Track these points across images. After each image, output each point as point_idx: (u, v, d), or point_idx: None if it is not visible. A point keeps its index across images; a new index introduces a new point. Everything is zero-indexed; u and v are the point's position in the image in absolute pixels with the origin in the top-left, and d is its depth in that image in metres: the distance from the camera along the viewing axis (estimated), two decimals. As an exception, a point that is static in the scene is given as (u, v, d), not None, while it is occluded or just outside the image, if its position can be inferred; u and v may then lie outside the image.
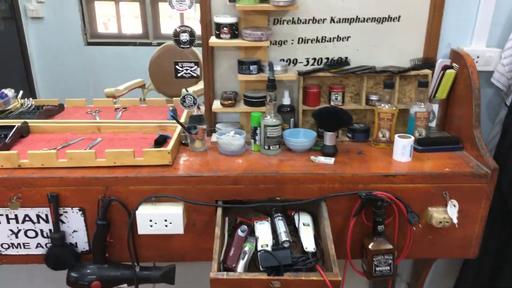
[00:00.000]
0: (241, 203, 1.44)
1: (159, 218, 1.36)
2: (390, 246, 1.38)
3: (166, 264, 1.48)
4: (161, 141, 1.56)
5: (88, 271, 1.42)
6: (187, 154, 1.54)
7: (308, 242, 1.36)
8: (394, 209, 1.41)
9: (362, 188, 1.40)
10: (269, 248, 1.33)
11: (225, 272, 1.19)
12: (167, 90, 3.25)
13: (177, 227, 1.37)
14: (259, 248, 1.33)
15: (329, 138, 1.51)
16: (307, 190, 1.40)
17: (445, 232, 1.47)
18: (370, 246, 1.39)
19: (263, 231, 1.40)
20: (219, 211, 1.39)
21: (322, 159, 1.48)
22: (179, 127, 1.59)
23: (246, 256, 1.32)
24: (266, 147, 1.53)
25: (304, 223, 1.43)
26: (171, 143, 1.47)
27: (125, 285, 1.43)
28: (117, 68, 3.83)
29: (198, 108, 1.80)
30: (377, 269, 1.40)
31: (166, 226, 1.37)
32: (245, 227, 1.41)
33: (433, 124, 1.69)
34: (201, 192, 1.39)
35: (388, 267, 1.40)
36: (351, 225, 1.41)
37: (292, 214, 1.48)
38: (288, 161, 1.48)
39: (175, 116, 1.53)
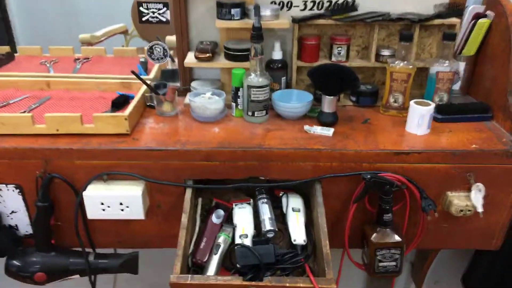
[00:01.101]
0: (216, 183, 1.17)
1: (113, 201, 1.10)
2: (398, 239, 1.13)
3: (130, 251, 1.24)
4: (120, 103, 1.26)
5: (32, 259, 1.17)
6: (152, 120, 1.25)
7: (298, 233, 1.10)
8: (405, 194, 1.14)
9: (367, 168, 1.12)
10: (249, 239, 1.07)
11: (189, 276, 0.94)
12: (152, 37, 2.91)
13: (135, 211, 1.11)
14: (237, 239, 1.08)
15: (328, 104, 1.21)
16: (299, 169, 1.12)
17: (464, 221, 1.21)
18: (373, 238, 1.13)
19: (243, 217, 1.14)
20: (188, 193, 1.12)
21: (318, 130, 1.19)
22: (145, 85, 1.29)
23: (220, 250, 1.07)
24: (250, 113, 1.23)
25: (294, 208, 1.16)
26: (131, 106, 1.18)
27: (77, 276, 1.19)
28: (102, 14, 3.44)
29: (173, 61, 1.49)
30: (380, 264, 1.15)
31: (122, 210, 1.11)
32: (220, 212, 1.15)
33: (456, 86, 1.38)
34: (166, 169, 1.11)
35: (394, 263, 1.15)
36: (350, 212, 1.15)
37: (280, 195, 1.22)
38: (276, 131, 1.19)
39: (135, 72, 1.22)
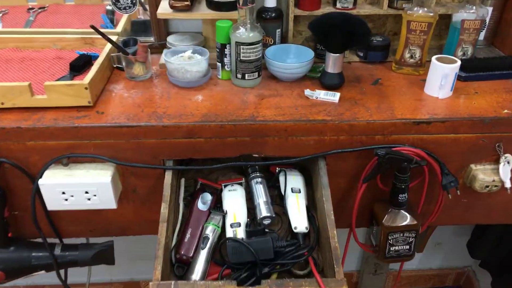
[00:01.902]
0: (201, 163, 0.98)
1: (77, 190, 0.91)
2: (414, 222, 0.98)
3: (106, 239, 1.07)
4: (80, 65, 1.04)
5: (-12, 255, 1.00)
6: (121, 86, 1.03)
7: (298, 219, 0.94)
8: (424, 170, 0.97)
9: (381, 141, 0.94)
10: (242, 228, 0.91)
11: (171, 283, 0.78)
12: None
13: (105, 200, 0.93)
14: (228, 229, 0.92)
15: (333, 63, 1.01)
16: (299, 144, 0.94)
17: (486, 195, 1.06)
18: (385, 221, 0.98)
19: (234, 201, 0.97)
20: (168, 176, 0.94)
21: (322, 95, 0.99)
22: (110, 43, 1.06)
23: (209, 243, 0.90)
24: (239, 76, 1.02)
25: (293, 189, 0.99)
26: (93, 70, 0.96)
27: (42, 272, 1.03)
28: None
29: (145, 9, 1.25)
30: (392, 248, 1.01)
31: (88, 199, 0.93)
32: (207, 196, 0.98)
33: (480, 36, 1.18)
34: (141, 148, 0.92)
35: (408, 246, 1.01)
36: (359, 193, 0.98)
37: (277, 171, 1.04)
38: (271, 97, 0.99)
39: (95, 27, 0.98)
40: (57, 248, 1.03)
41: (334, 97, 0.98)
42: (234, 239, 0.87)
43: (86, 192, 0.91)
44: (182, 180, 1.01)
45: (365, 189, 0.98)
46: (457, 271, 1.96)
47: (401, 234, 0.99)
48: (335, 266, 0.82)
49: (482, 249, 1.66)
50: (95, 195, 0.92)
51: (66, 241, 1.06)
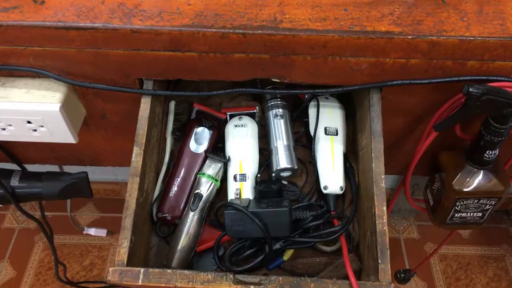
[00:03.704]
0: (194, 89, 0.67)
1: (15, 118, 0.63)
2: (500, 188, 0.68)
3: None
4: None
5: None
6: (78, -44, 0.67)
7: (331, 176, 0.66)
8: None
9: (475, 69, 0.59)
10: (249, 183, 0.65)
11: (141, 271, 0.54)
12: None
13: (58, 133, 0.65)
14: (230, 184, 0.65)
15: None
16: (345, 68, 0.60)
17: None
18: (455, 182, 0.68)
19: (241, 142, 0.68)
20: (145, 104, 0.64)
21: (388, -14, 0.61)
22: None
23: (202, 203, 0.64)
24: None
25: (328, 129, 0.69)
26: None
27: (-1, 206, 0.82)
28: None
29: None
30: (457, 215, 0.73)
31: (34, 130, 0.65)
32: (204, 132, 0.69)
33: None
34: (102, 61, 0.61)
35: (481, 214, 0.73)
36: (426, 142, 0.67)
37: (306, 98, 0.72)
38: (307, -14, 0.63)
39: None
40: (14, 178, 0.80)
41: (408, -10, 0.61)
42: (234, 206, 0.60)
43: (29, 122, 0.64)
44: (172, 104, 0.72)
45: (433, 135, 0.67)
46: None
47: (476, 201, 0.70)
48: (379, 261, 0.55)
49: None
50: (42, 126, 0.64)
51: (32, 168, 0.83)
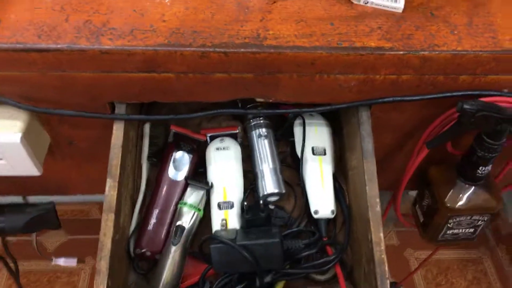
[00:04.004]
0: (170, 110, 0.62)
1: (-31, 151, 0.56)
2: (492, 203, 0.66)
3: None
4: None
5: None
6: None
7: (322, 199, 0.62)
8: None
9: (467, 84, 0.57)
10: (235, 211, 0.60)
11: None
12: None
13: (20, 165, 0.59)
14: (214, 213, 0.60)
15: None
16: (332, 85, 0.57)
17: None
18: (448, 200, 0.66)
19: (224, 166, 0.63)
20: (118, 131, 0.58)
21: (375, -2, 0.58)
22: None
23: (185, 235, 0.59)
24: (237, -42, 0.60)
25: (316, 149, 0.65)
26: None
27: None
28: None
29: None
30: (449, 232, 0.71)
31: (-7, 164, 0.59)
32: (183, 158, 0.64)
33: None
34: (68, 85, 0.55)
35: (473, 229, 0.71)
36: (417, 159, 0.65)
37: (289, 117, 0.68)
38: (288, 0, 0.58)
39: None
40: (-28, 213, 0.72)
41: (396, 2, 0.58)
42: (220, 240, 0.55)
43: (-15, 155, 0.57)
44: (146, 127, 0.66)
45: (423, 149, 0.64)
46: None
47: (469, 217, 0.68)
48: (378, 285, 0.52)
49: None
50: (0, 159, 0.57)
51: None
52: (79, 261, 1.04)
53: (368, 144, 0.59)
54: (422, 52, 0.53)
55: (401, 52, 0.53)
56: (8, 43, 0.51)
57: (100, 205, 0.77)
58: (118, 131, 0.57)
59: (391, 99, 0.57)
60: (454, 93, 0.57)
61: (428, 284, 1.52)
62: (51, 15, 0.54)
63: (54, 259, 1.01)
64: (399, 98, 0.57)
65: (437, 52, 0.54)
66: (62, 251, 1.52)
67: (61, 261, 1.02)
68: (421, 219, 0.74)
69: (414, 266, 1.55)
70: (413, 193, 0.78)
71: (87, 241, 1.57)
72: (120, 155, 0.56)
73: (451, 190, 0.66)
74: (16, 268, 0.94)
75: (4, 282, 1.43)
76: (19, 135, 0.55)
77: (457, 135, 0.61)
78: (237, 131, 0.66)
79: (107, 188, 0.55)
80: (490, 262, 1.55)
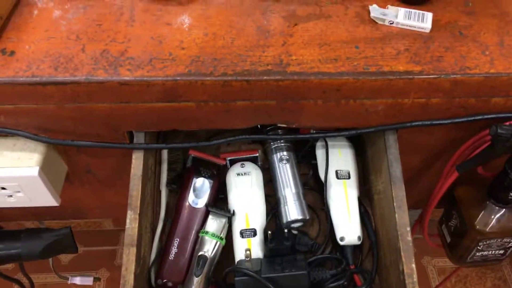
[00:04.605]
0: (191, 139, 0.61)
1: (-14, 186, 0.55)
2: (524, 226, 0.63)
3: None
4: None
5: None
6: (51, -6, 0.59)
7: (347, 225, 0.60)
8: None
9: (500, 106, 0.55)
10: (258, 238, 0.58)
11: None
12: None
13: (37, 197, 0.58)
14: (236, 242, 0.59)
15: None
16: (358, 111, 0.54)
17: None
18: (478, 222, 0.64)
19: (245, 192, 0.61)
20: (137, 160, 0.56)
21: (401, 17, 0.56)
22: None
23: (207, 266, 0.57)
24: (256, -21, 0.58)
25: (340, 173, 0.63)
26: (-13, -31, 0.52)
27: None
28: None
29: None
30: (479, 254, 0.68)
31: (10, 196, 0.57)
32: (203, 184, 0.62)
33: None
34: (87, 116, 0.53)
35: (503, 251, 0.69)
36: (446, 182, 0.62)
37: (312, 140, 0.66)
38: (311, 21, 0.56)
39: None
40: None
41: (423, 21, 0.56)
42: (246, 272, 0.54)
43: (3, 188, 0.55)
44: (164, 153, 0.64)
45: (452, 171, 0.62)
46: None
47: (499, 240, 0.65)
48: (412, 327, 0.50)
49: None
50: (18, 192, 0.56)
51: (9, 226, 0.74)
52: (95, 280, 1.03)
53: (396, 169, 0.56)
54: (454, 76, 0.51)
55: (432, 76, 0.51)
56: (24, 76, 0.49)
57: (112, 217, 0.75)
58: (137, 161, 0.56)
59: (420, 123, 0.55)
60: (486, 116, 0.55)
61: (447, 292, 1.50)
62: (66, 45, 0.52)
63: (70, 278, 1.00)
64: (428, 122, 0.55)
65: (469, 75, 0.51)
66: (76, 264, 1.52)
67: (77, 280, 1.01)
68: (448, 240, 0.72)
69: (431, 274, 1.52)
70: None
71: (101, 252, 1.56)
72: (140, 186, 0.55)
73: (482, 213, 0.64)
74: (32, 288, 0.93)
75: (19, 298, 1.42)
76: (37, 168, 0.53)
77: (489, 159, 0.58)
78: (258, 154, 0.64)
79: (128, 221, 0.53)
80: (510, 269, 1.52)
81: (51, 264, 0.95)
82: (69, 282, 1.01)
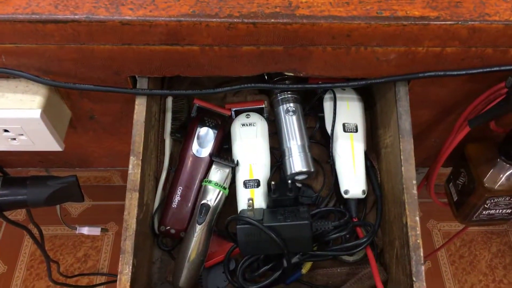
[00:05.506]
0: (196, 87, 0.59)
1: (-12, 127, 0.55)
2: (535, 184, 0.62)
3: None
4: None
5: None
6: None
7: (352, 178, 0.59)
8: None
9: (518, 58, 0.52)
10: (261, 190, 0.58)
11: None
12: None
13: (40, 141, 0.57)
14: (239, 192, 0.58)
15: None
16: (369, 59, 0.52)
17: None
18: (487, 179, 0.62)
19: (250, 143, 0.60)
20: (140, 106, 0.55)
21: (418, -39, 0.53)
22: None
23: (210, 214, 0.57)
24: None
25: (347, 125, 0.61)
26: None
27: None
28: None
29: None
30: (485, 212, 0.67)
31: (13, 139, 0.57)
32: (207, 133, 0.61)
33: None
34: (87, 58, 0.52)
35: (510, 210, 0.67)
36: (457, 137, 0.60)
37: (319, 92, 0.64)
38: (323, -38, 0.53)
39: None
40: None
41: (442, -35, 0.52)
42: (248, 221, 0.53)
43: (6, 131, 0.55)
44: (169, 101, 0.63)
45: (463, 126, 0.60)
46: None
47: (508, 198, 0.64)
48: (413, 279, 0.50)
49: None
50: (21, 135, 0.56)
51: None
52: (102, 231, 1.05)
53: (405, 122, 0.55)
54: (472, 22, 0.48)
55: (449, 23, 0.48)
56: (23, 13, 0.48)
57: (121, 172, 0.76)
58: (140, 107, 0.55)
59: (433, 73, 0.53)
60: (503, 67, 0.52)
61: (450, 256, 1.50)
62: (68, -18, 0.50)
63: (78, 228, 1.02)
64: (442, 73, 0.52)
65: (488, 23, 0.48)
66: (85, 217, 1.55)
67: (85, 230, 1.02)
68: (455, 198, 0.71)
69: (437, 238, 1.53)
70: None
71: (110, 207, 1.58)
72: (142, 132, 0.54)
73: (491, 170, 0.62)
74: (41, 237, 0.95)
75: (30, 245, 1.47)
76: (39, 111, 0.52)
77: (504, 114, 0.56)
78: (264, 105, 0.63)
79: (130, 166, 0.53)
80: (515, 234, 1.52)
81: (59, 213, 0.96)
82: (76, 232, 1.02)
